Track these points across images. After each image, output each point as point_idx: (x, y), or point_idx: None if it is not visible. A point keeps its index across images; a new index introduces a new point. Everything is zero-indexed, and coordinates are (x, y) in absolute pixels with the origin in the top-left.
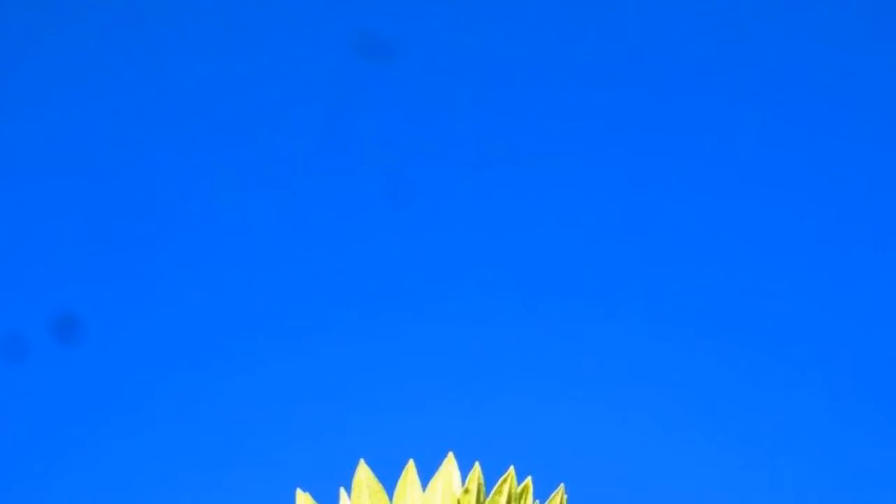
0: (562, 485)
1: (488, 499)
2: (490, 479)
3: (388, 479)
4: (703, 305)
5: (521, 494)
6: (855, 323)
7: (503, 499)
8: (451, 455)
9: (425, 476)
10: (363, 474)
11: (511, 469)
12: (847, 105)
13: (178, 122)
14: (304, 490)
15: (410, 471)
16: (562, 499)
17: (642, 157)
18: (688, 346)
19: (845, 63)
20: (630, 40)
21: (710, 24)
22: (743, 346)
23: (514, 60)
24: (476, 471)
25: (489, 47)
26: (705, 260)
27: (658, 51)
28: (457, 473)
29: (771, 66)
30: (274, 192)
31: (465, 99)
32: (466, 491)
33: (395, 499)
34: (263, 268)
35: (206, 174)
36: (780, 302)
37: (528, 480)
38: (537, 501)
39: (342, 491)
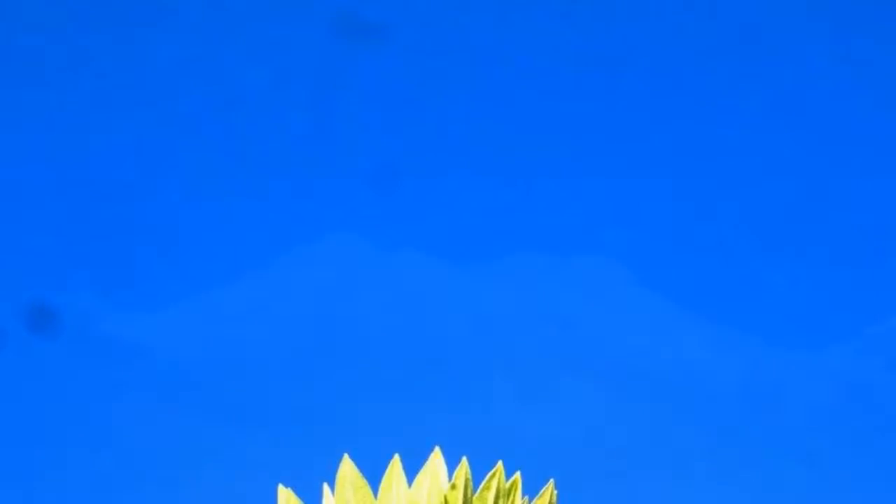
0: (551, 481)
1: (476, 495)
2: (478, 475)
3: (373, 475)
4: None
5: (509, 490)
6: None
7: (491, 494)
8: (437, 450)
9: (411, 471)
10: (347, 470)
11: (499, 464)
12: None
13: (161, 108)
14: (287, 486)
15: (396, 466)
16: (551, 495)
17: (633, 144)
18: (679, 335)
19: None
20: (619, 24)
21: None
22: (738, 336)
23: (501, 43)
24: (463, 466)
25: (475, 31)
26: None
27: (650, 36)
28: (443, 469)
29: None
30: (258, 178)
31: (450, 82)
32: (453, 486)
33: (379, 495)
34: (249, 256)
35: (189, 160)
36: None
37: (517, 476)
38: (526, 498)
39: (325, 487)
